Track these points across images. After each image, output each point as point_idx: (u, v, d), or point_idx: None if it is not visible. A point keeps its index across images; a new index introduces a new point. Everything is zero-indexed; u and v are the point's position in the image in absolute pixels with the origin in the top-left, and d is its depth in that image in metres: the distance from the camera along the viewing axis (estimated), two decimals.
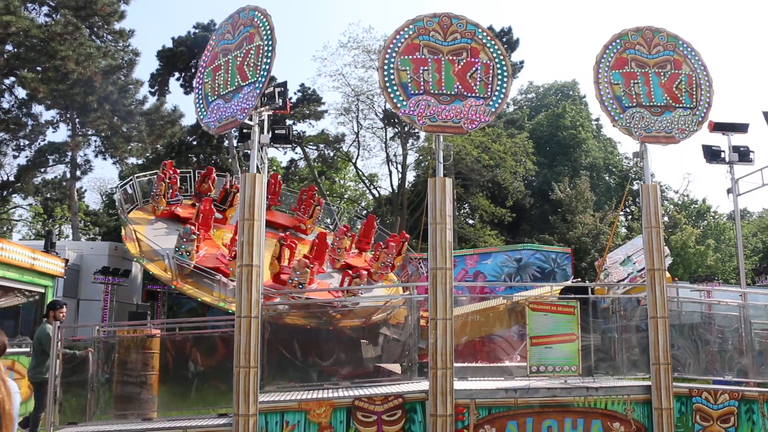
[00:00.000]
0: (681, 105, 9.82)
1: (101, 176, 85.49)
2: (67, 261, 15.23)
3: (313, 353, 11.79)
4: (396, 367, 11.19)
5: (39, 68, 27.55)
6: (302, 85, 41.00)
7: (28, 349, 11.49)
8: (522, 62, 43.51)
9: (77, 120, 29.95)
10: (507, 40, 40.99)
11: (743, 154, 12.42)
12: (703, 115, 9.90)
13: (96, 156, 31.72)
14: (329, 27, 78.06)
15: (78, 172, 31.14)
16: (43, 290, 12.67)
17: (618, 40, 9.97)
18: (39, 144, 30.35)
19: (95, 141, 31.11)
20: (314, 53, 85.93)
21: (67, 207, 36.32)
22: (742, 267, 13.19)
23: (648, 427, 9.00)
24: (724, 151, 12.46)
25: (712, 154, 12.43)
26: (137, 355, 10.22)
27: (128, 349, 10.12)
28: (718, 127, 12.28)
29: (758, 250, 42.78)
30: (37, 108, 30.38)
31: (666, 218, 40.01)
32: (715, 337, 11.54)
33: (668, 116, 9.73)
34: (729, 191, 12.94)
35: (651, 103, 9.76)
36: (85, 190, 49.43)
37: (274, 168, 46.69)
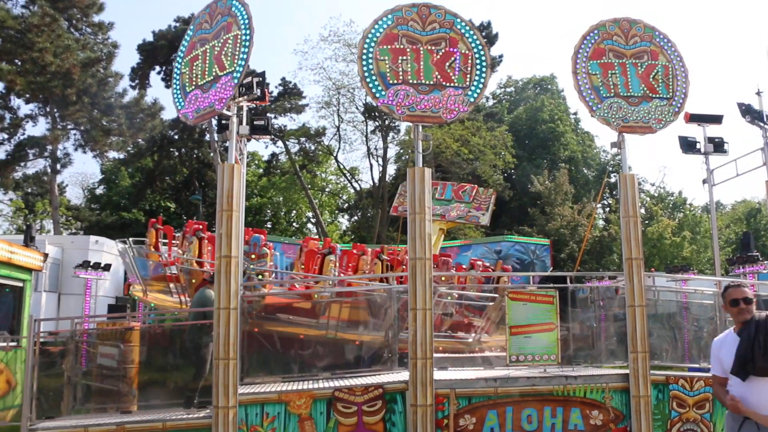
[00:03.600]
0: (658, 95, 9.88)
1: (82, 171, 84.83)
2: (46, 255, 15.01)
3: (293, 345, 11.77)
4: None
5: (16, 60, 27.19)
6: (283, 78, 40.93)
7: (5, 344, 11.32)
8: (501, 56, 43.78)
9: (56, 113, 29.60)
10: (486, 34, 41.11)
11: (718, 145, 12.64)
12: (679, 105, 9.97)
13: (76, 149, 31.53)
14: (311, 21, 77.70)
15: (58, 166, 30.85)
16: (21, 284, 12.50)
17: (596, 31, 9.99)
18: (18, 138, 30.00)
19: (75, 134, 30.86)
20: (295, 47, 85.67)
21: (48, 202, 35.90)
22: (717, 255, 13.38)
23: (626, 414, 9.09)
24: (699, 142, 12.67)
25: (688, 145, 12.63)
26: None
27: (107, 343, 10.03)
28: (694, 119, 12.48)
29: (731, 241, 43.35)
30: (15, 101, 30.07)
31: (643, 210, 40.38)
32: (690, 325, 11.69)
33: (645, 106, 9.80)
34: (704, 181, 13.16)
35: (628, 94, 9.81)
36: (66, 185, 49.04)
37: (256, 162, 46.53)
